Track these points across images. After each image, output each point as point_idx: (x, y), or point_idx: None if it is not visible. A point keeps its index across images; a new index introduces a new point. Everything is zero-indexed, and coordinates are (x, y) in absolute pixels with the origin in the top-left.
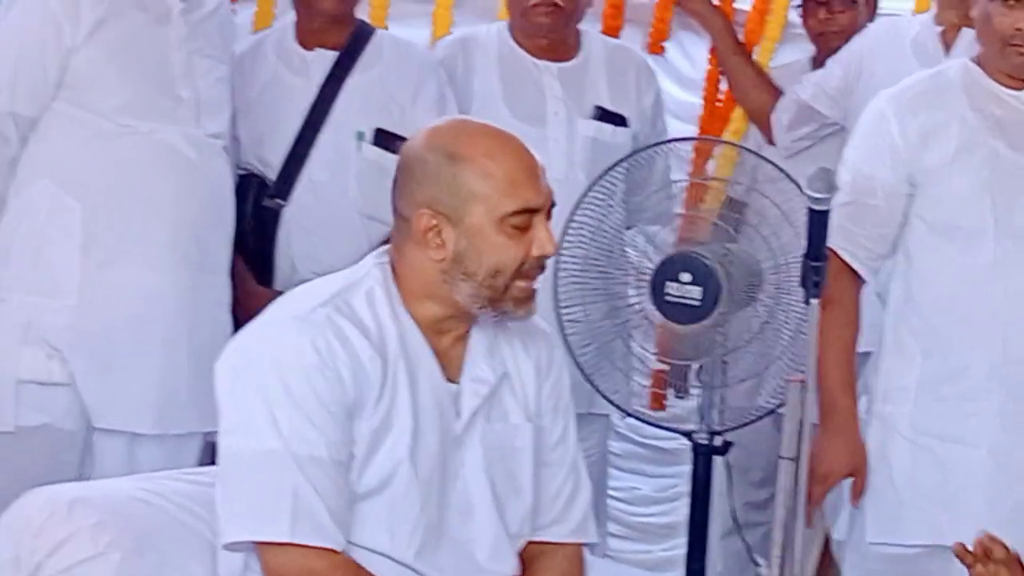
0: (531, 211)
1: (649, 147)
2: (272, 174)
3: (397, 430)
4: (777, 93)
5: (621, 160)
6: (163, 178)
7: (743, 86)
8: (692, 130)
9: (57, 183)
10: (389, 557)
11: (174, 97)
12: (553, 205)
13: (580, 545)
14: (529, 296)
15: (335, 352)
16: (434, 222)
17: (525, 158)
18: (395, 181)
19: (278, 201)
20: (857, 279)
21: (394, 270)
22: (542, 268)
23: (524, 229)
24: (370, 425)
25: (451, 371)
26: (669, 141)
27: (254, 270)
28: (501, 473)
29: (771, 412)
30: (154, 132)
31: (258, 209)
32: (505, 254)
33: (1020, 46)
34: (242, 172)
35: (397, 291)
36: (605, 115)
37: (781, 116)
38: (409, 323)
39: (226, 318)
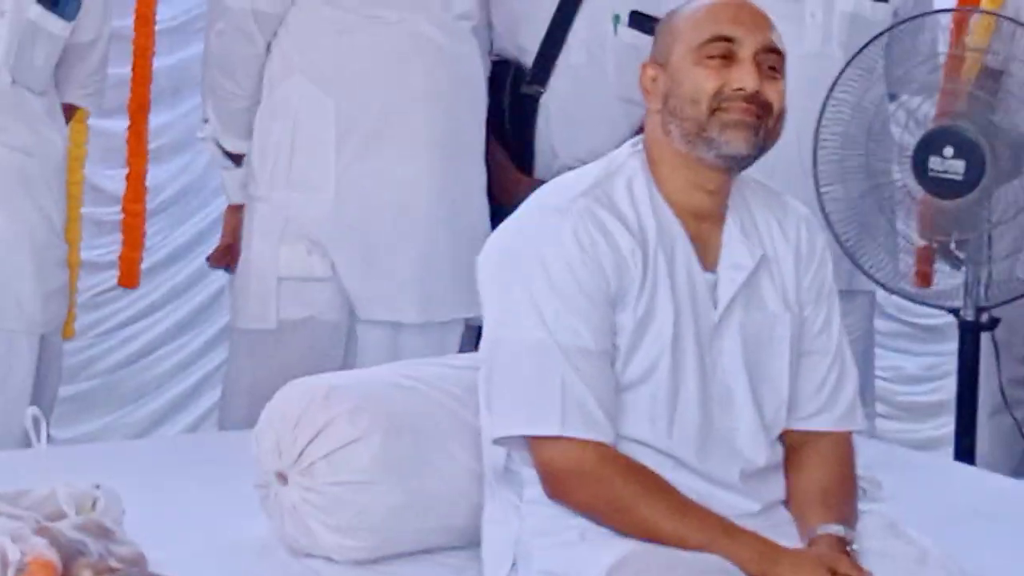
0: (727, 40)
1: (908, 20)
2: (528, 60)
3: (659, 321)
4: None
5: (881, 33)
6: (413, 66)
7: None
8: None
9: (310, 78)
10: (651, 446)
11: None
12: (779, 54)
13: (848, 431)
14: (737, 124)
15: (596, 243)
16: (652, 72)
17: (735, 2)
18: None
19: (536, 88)
20: None
21: (649, 157)
22: (754, 107)
23: (726, 62)
24: (633, 316)
25: (708, 260)
26: (928, 14)
27: (514, 158)
28: (757, 362)
29: None
30: (402, 21)
31: (516, 96)
32: (700, 83)
33: None
34: (496, 59)
35: (652, 178)
36: None
37: None
38: (667, 211)
39: (483, 202)
